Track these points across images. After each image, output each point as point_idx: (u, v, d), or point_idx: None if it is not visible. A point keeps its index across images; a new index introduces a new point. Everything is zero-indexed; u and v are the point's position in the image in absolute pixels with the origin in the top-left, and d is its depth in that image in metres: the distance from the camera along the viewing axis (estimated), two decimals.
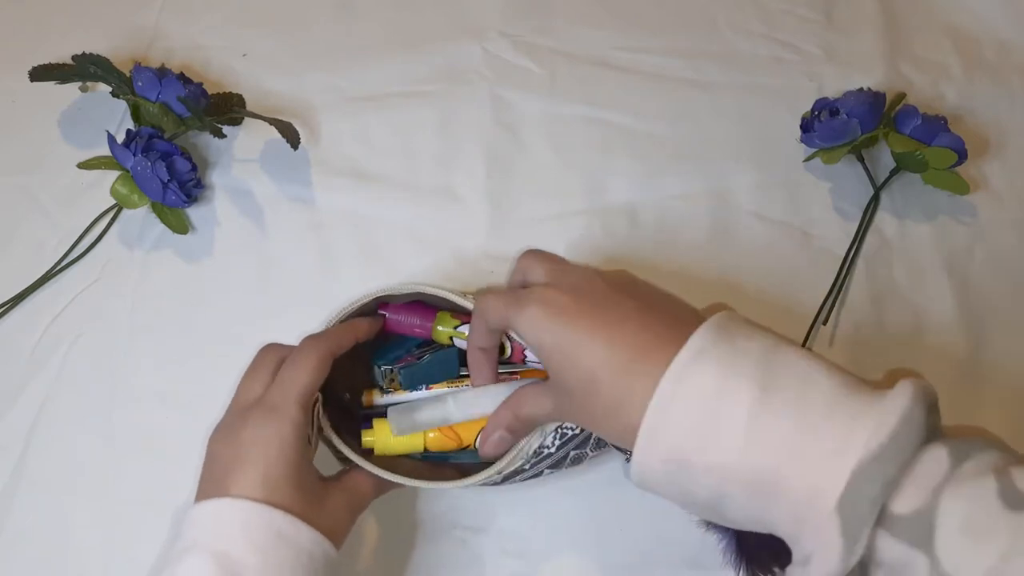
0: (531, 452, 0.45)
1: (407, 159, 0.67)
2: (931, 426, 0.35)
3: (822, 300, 0.61)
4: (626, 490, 0.47)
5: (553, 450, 0.45)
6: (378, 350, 0.51)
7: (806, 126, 0.66)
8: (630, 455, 0.38)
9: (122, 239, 0.64)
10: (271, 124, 0.64)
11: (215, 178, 0.66)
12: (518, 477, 0.47)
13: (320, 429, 0.46)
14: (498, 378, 0.47)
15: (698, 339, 0.37)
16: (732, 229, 0.64)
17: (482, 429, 0.45)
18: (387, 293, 0.49)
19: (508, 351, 0.49)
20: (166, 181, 0.60)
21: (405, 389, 0.50)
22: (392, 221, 0.64)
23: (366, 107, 0.69)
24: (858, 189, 0.66)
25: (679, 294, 0.62)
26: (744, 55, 0.72)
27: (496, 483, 0.47)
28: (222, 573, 0.38)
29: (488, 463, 0.46)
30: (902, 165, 0.65)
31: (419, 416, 0.47)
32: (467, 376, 0.48)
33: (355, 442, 0.48)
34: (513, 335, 0.48)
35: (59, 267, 0.62)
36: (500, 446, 0.44)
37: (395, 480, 0.45)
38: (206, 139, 0.67)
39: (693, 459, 0.36)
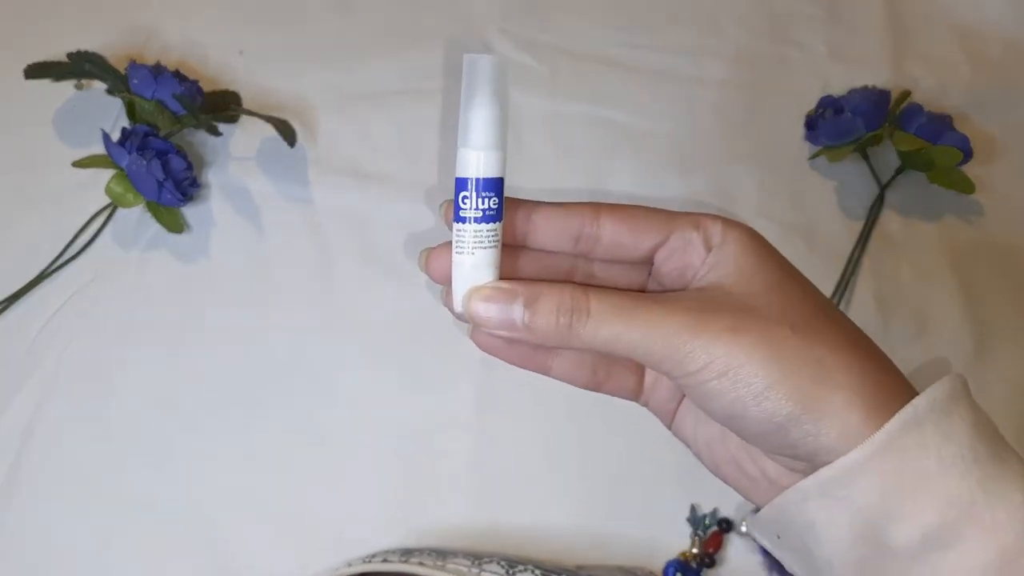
0: None
1: (406, 158, 0.66)
2: None
3: None
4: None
5: None
6: None
7: (811, 124, 0.65)
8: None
9: (117, 238, 0.63)
10: (268, 122, 0.63)
11: (211, 177, 0.66)
12: None
13: None
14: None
15: (945, 390, 0.29)
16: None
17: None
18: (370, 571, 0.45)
19: None
20: (161, 180, 0.60)
21: None
22: (391, 220, 0.64)
23: (364, 105, 0.68)
24: (863, 188, 0.65)
25: None
26: (748, 52, 0.71)
27: None
28: None
29: None
30: (907, 164, 0.64)
31: None
32: None
33: None
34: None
35: (53, 267, 0.62)
36: (491, 319, 0.31)
37: None
38: (202, 137, 0.66)
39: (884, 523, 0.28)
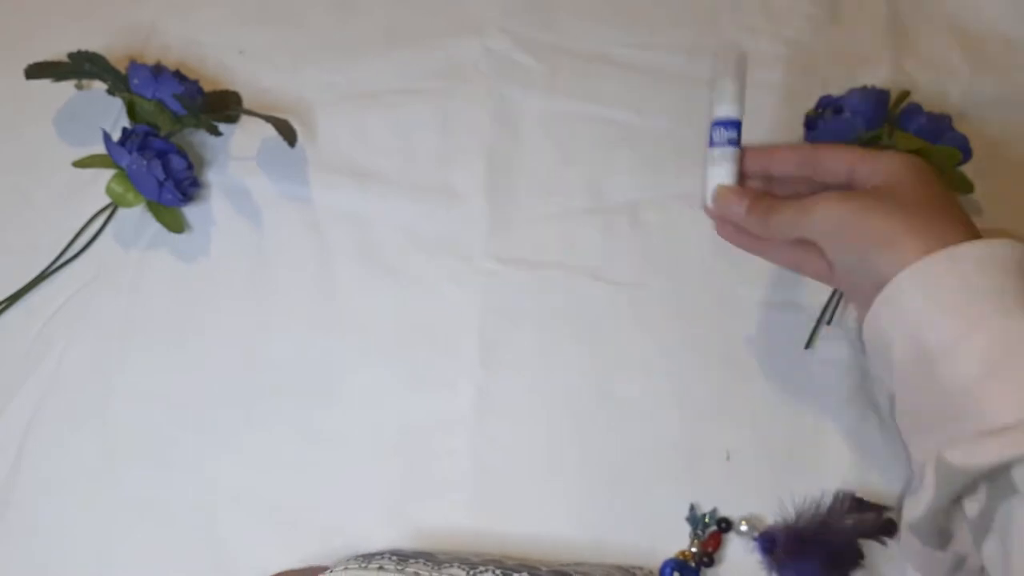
0: None
1: (406, 157, 0.66)
2: None
3: (826, 299, 0.60)
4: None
5: None
6: None
7: (810, 124, 0.65)
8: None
9: (117, 238, 0.63)
10: (268, 122, 0.63)
11: (211, 176, 0.66)
12: None
13: None
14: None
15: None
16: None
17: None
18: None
19: None
20: (162, 179, 0.60)
21: None
22: (391, 219, 0.64)
23: (364, 104, 0.68)
24: None
25: (680, 294, 0.62)
26: (748, 52, 0.71)
27: None
28: None
29: None
30: None
31: None
32: None
33: None
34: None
35: (54, 266, 0.62)
36: (725, 208, 0.51)
37: None
38: (202, 137, 0.66)
39: (973, 298, 0.39)
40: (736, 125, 0.54)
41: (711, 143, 0.54)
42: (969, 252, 0.40)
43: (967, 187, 0.63)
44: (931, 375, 0.40)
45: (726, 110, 0.54)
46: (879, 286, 0.42)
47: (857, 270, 0.44)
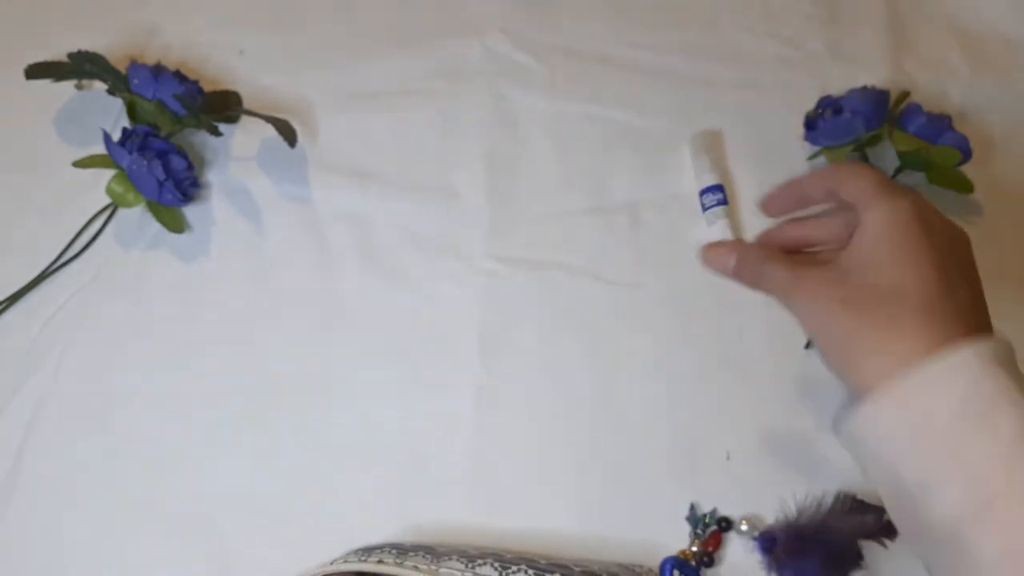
0: None
1: (406, 157, 0.66)
2: None
3: None
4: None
5: None
6: None
7: (810, 124, 0.65)
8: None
9: (118, 238, 0.63)
10: (268, 122, 0.63)
11: (212, 177, 0.66)
12: None
13: None
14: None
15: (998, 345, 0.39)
16: (736, 228, 0.63)
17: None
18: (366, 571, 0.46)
19: None
20: (162, 180, 0.60)
21: None
22: (391, 220, 0.64)
23: (365, 105, 0.68)
24: None
25: (680, 294, 0.62)
26: (747, 52, 0.71)
27: None
28: None
29: None
30: (906, 164, 0.64)
31: None
32: None
33: None
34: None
35: (54, 267, 0.62)
36: (716, 262, 0.47)
37: None
38: (203, 137, 0.66)
39: (939, 431, 0.36)
40: (720, 188, 0.63)
41: (704, 209, 0.63)
42: (948, 368, 0.37)
43: (967, 187, 0.63)
44: (913, 511, 0.37)
45: (707, 179, 0.64)
46: (857, 390, 0.39)
47: (835, 367, 0.41)
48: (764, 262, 0.45)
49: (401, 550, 0.47)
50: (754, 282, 0.45)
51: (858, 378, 0.38)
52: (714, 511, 0.54)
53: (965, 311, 0.40)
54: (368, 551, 0.47)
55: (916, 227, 0.41)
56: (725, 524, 0.53)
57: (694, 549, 0.52)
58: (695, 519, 0.53)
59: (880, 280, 0.40)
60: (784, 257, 0.45)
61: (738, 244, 0.48)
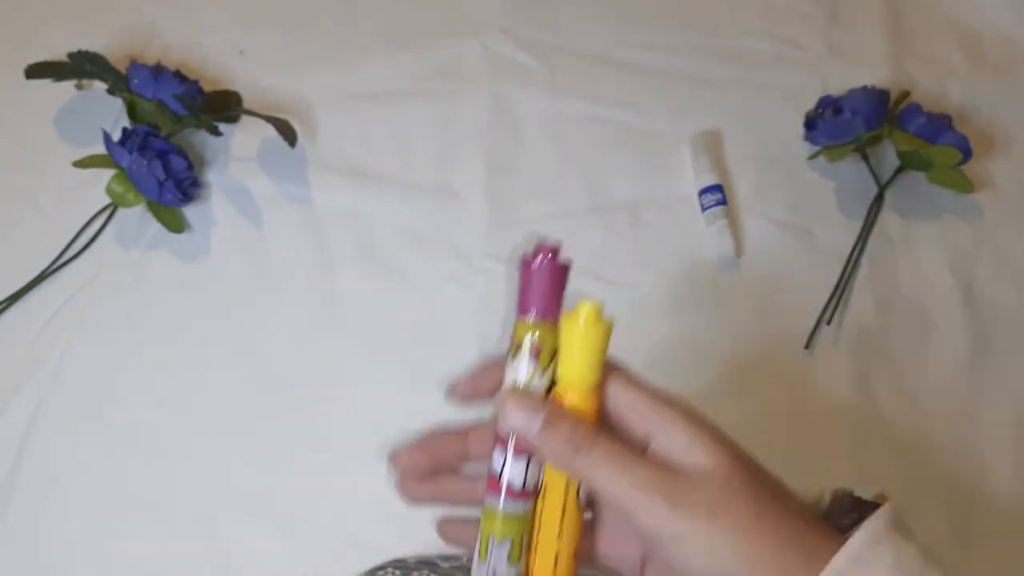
0: None
1: (406, 157, 0.66)
2: None
3: (826, 300, 0.60)
4: None
5: None
6: None
7: (810, 124, 0.65)
8: None
9: (118, 238, 0.63)
10: (268, 122, 0.63)
11: (212, 176, 0.66)
12: None
13: None
14: None
15: (856, 542, 0.31)
16: (735, 227, 0.63)
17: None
18: None
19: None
20: (162, 180, 0.60)
21: None
22: (391, 220, 0.64)
23: (365, 105, 0.68)
24: (862, 187, 0.65)
25: (681, 294, 0.62)
26: (747, 52, 0.71)
27: None
28: None
29: None
30: (907, 163, 0.64)
31: None
32: None
33: None
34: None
35: (55, 266, 0.62)
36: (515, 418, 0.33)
37: None
38: (203, 137, 0.66)
39: None
40: (719, 188, 0.63)
41: (703, 209, 0.63)
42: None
43: (967, 187, 0.63)
44: None
45: (707, 179, 0.63)
46: None
47: None
48: (592, 450, 0.33)
49: (405, 569, 0.47)
50: (570, 462, 0.32)
51: None
52: None
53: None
54: (372, 573, 0.47)
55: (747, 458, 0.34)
56: None
57: None
58: None
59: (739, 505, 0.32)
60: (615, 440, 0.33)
61: (550, 403, 0.34)
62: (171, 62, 0.68)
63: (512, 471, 0.34)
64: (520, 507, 0.34)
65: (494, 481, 0.34)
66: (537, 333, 0.35)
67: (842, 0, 0.74)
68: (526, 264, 0.36)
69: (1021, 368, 0.59)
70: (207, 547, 0.53)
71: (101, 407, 0.57)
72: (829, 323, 0.60)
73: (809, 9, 0.73)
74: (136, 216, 0.64)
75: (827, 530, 0.33)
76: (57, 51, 0.65)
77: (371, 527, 0.54)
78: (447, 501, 0.38)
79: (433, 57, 0.71)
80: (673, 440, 0.34)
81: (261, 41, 0.72)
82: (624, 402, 0.34)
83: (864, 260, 0.62)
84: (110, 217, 0.64)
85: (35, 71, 0.64)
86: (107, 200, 0.62)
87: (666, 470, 0.32)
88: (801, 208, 0.64)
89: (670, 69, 0.70)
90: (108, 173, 0.61)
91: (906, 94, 0.66)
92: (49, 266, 0.62)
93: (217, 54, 0.71)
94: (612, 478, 0.32)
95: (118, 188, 0.61)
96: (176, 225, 0.62)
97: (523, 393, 0.34)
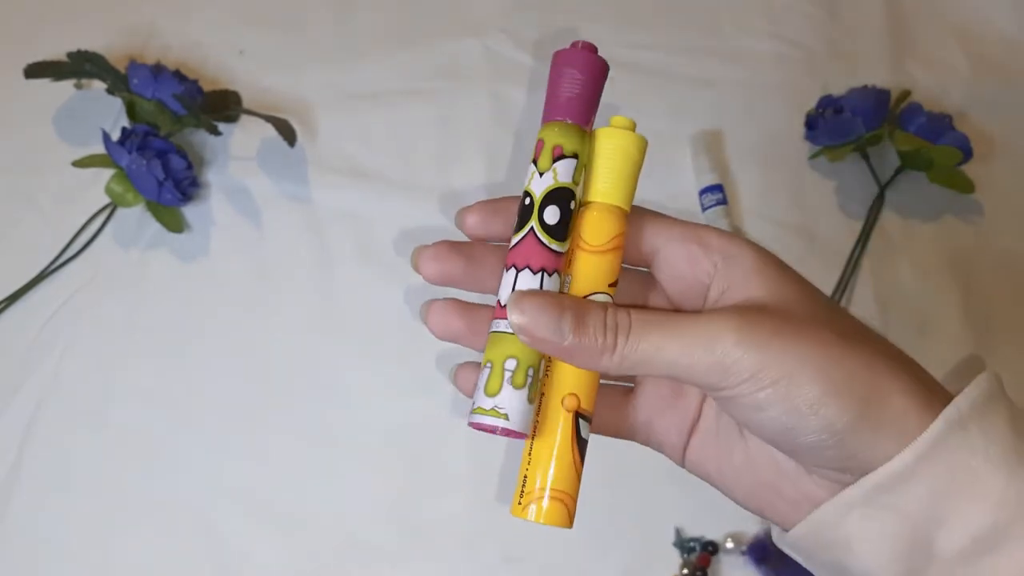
0: None
1: (406, 157, 0.66)
2: None
3: None
4: None
5: None
6: None
7: (811, 124, 0.65)
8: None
9: (117, 238, 0.63)
10: (268, 122, 0.63)
11: (211, 176, 0.65)
12: None
13: None
14: None
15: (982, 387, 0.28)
16: (736, 227, 0.63)
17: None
18: None
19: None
20: (161, 179, 0.60)
21: None
22: (391, 220, 0.64)
23: (364, 105, 0.68)
24: (863, 187, 0.65)
25: None
26: (748, 52, 0.71)
27: None
28: None
29: None
30: (907, 163, 0.64)
31: None
32: None
33: None
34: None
35: (54, 266, 0.62)
36: (540, 327, 0.28)
37: None
38: (202, 137, 0.66)
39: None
40: (719, 188, 0.63)
41: (703, 208, 0.63)
42: (976, 415, 0.27)
43: (968, 187, 0.63)
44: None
45: (707, 179, 0.63)
46: (845, 469, 0.28)
47: (801, 446, 0.27)
48: (621, 310, 0.29)
49: None
50: (612, 354, 0.28)
51: (892, 429, 0.27)
52: (700, 538, 0.53)
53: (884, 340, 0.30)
54: None
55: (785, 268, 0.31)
56: (712, 548, 0.53)
57: (685, 571, 0.52)
58: (682, 544, 0.53)
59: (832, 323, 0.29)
60: (641, 306, 0.31)
61: (567, 295, 0.30)
62: (171, 62, 0.68)
63: (526, 287, 0.29)
64: None
65: (502, 307, 0.30)
66: (569, 139, 0.31)
67: (842, 0, 0.74)
68: (559, 56, 0.31)
69: (1021, 368, 0.59)
70: (207, 547, 0.53)
71: (101, 407, 0.57)
72: None
73: (809, 9, 0.73)
74: (135, 216, 0.64)
75: (923, 372, 0.29)
76: (57, 51, 0.65)
77: (371, 527, 0.54)
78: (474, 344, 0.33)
79: (433, 57, 0.71)
80: (734, 273, 0.29)
81: (261, 41, 0.72)
82: (667, 240, 0.31)
83: (865, 259, 0.62)
84: (109, 217, 0.64)
85: (34, 71, 0.64)
86: (106, 200, 0.62)
87: (721, 312, 0.28)
88: (801, 208, 0.64)
89: (670, 69, 0.70)
90: (107, 173, 0.61)
91: (906, 94, 0.66)
92: (48, 266, 0.62)
93: (217, 54, 0.71)
94: (661, 352, 0.28)
95: (117, 188, 0.61)
96: (175, 225, 0.62)
97: (538, 293, 0.29)
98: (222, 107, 0.66)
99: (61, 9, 0.73)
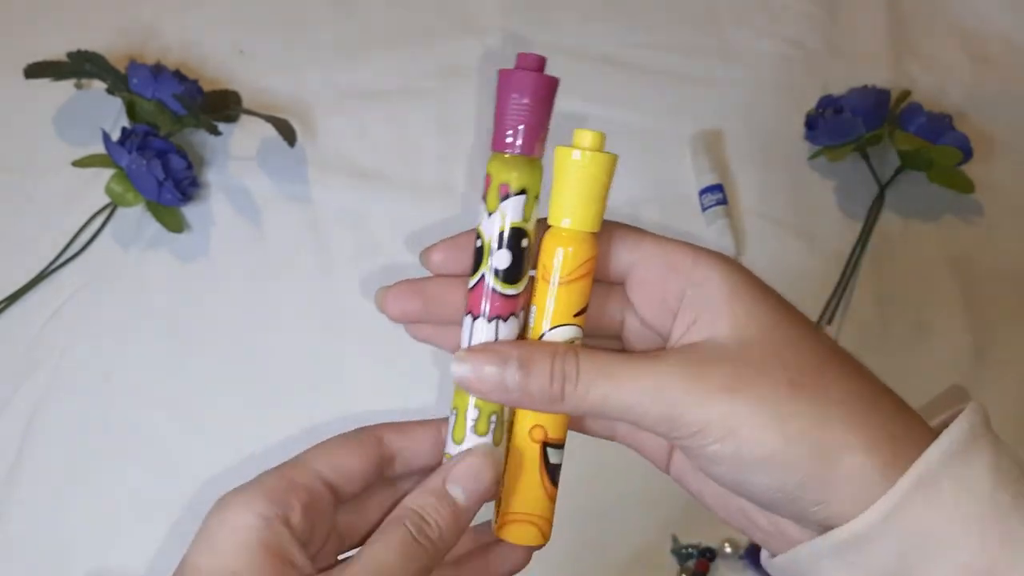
0: None
1: (405, 156, 0.66)
2: None
3: (827, 299, 0.60)
4: None
5: None
6: None
7: (811, 124, 0.65)
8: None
9: (117, 238, 0.63)
10: (268, 122, 0.63)
11: (211, 176, 0.65)
12: None
13: None
14: None
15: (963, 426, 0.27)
16: (736, 227, 0.63)
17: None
18: None
19: None
20: (161, 179, 0.60)
21: None
22: (390, 219, 0.64)
23: (364, 104, 0.68)
24: (863, 187, 0.65)
25: None
26: (748, 51, 0.71)
27: None
28: None
29: None
30: (907, 163, 0.64)
31: None
32: None
33: None
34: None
35: (54, 266, 0.62)
36: (484, 377, 0.28)
37: None
38: (202, 137, 0.66)
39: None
40: (719, 188, 0.63)
41: (703, 208, 0.63)
42: (945, 468, 0.26)
43: (968, 187, 0.63)
44: None
45: (707, 179, 0.63)
46: (806, 522, 0.28)
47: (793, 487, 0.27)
48: (570, 356, 0.28)
49: None
50: (561, 399, 0.28)
51: (844, 489, 0.26)
52: (698, 544, 0.53)
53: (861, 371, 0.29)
54: None
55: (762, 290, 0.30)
56: (709, 554, 0.53)
57: None
58: (679, 553, 0.53)
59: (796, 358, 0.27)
60: (596, 347, 0.29)
61: (513, 343, 0.29)
62: (170, 62, 0.68)
63: (481, 337, 0.29)
64: None
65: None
66: (515, 173, 0.29)
67: (842, 0, 0.74)
68: (503, 77, 0.29)
69: (1021, 368, 0.59)
70: None
71: (101, 407, 0.57)
72: (830, 323, 0.60)
73: (810, 9, 0.73)
74: (135, 216, 0.64)
75: (910, 416, 0.27)
76: (57, 51, 0.65)
77: None
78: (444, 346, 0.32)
79: (433, 57, 0.71)
80: (700, 304, 0.28)
81: (261, 41, 0.72)
82: (639, 258, 0.30)
83: (865, 259, 0.62)
84: (109, 217, 0.64)
85: (34, 71, 0.64)
86: (106, 200, 0.62)
87: (675, 359, 0.27)
88: (801, 208, 0.64)
89: (670, 69, 0.70)
90: (107, 173, 0.61)
91: (906, 94, 0.66)
92: (48, 266, 0.62)
93: (217, 54, 0.71)
94: (609, 400, 0.27)
95: (117, 188, 0.61)
96: (175, 225, 0.62)
97: (482, 345, 0.29)
98: (222, 107, 0.66)
99: (61, 9, 0.73)
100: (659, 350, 0.29)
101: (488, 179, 0.29)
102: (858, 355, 0.61)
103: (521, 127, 0.29)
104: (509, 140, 0.29)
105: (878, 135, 0.63)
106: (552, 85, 0.30)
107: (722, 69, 0.70)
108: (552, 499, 0.31)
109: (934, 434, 0.26)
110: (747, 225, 0.63)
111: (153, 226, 0.63)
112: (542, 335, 0.29)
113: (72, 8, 0.73)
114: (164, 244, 0.63)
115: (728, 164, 0.66)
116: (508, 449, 0.31)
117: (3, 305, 0.60)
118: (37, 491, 0.55)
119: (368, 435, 0.32)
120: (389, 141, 0.67)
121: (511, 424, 0.31)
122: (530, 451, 0.30)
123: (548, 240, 0.29)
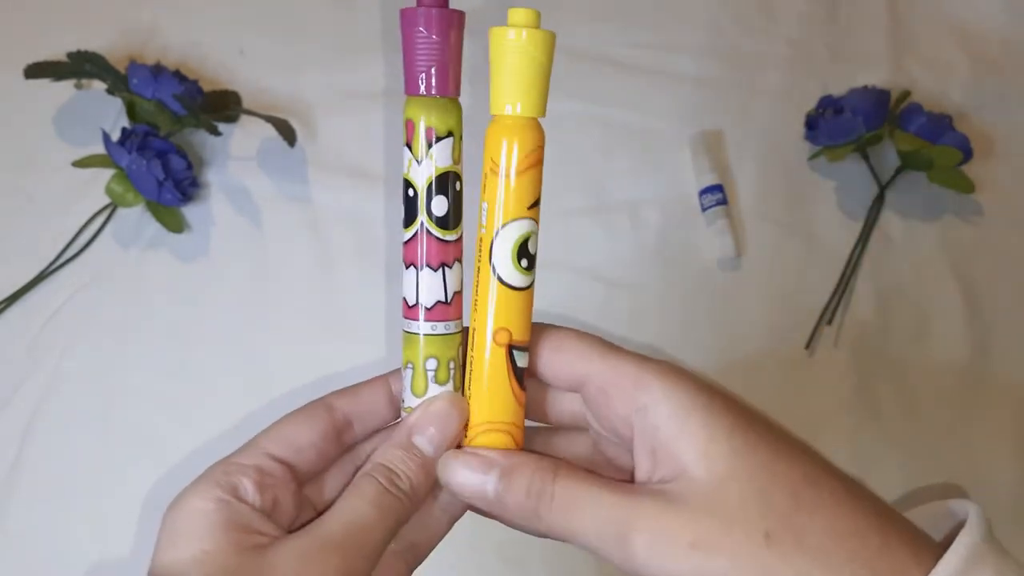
0: None
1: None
2: None
3: (827, 300, 0.60)
4: None
5: None
6: None
7: (811, 124, 0.65)
8: None
9: (117, 238, 0.63)
10: (268, 122, 0.63)
11: (211, 176, 0.66)
12: None
13: None
14: None
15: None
16: (736, 227, 0.63)
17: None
18: None
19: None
20: (161, 179, 0.60)
21: None
22: (390, 219, 0.64)
23: (364, 104, 0.68)
24: (863, 188, 0.65)
25: (681, 293, 0.62)
26: (748, 52, 0.71)
27: None
28: None
29: None
30: (907, 164, 0.64)
31: None
32: None
33: None
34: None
35: (53, 266, 0.62)
36: (466, 483, 0.29)
37: None
38: (202, 137, 0.66)
39: None
40: (719, 188, 0.62)
41: (703, 209, 0.63)
42: None
43: (968, 187, 0.63)
44: None
45: (707, 179, 0.63)
46: None
47: None
48: (553, 475, 0.28)
49: None
50: (534, 518, 0.28)
51: None
52: None
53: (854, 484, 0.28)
54: None
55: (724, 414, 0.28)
56: None
57: None
58: None
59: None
60: (582, 469, 0.29)
61: (503, 453, 0.29)
62: (170, 62, 0.68)
63: (429, 286, 0.29)
64: (442, 326, 0.30)
65: (410, 307, 0.30)
66: (439, 116, 0.29)
67: (842, 0, 0.74)
68: (406, 16, 0.28)
69: (1021, 368, 0.59)
70: None
71: (101, 407, 0.57)
72: (830, 323, 0.60)
73: (810, 9, 0.73)
74: (135, 216, 0.64)
75: (897, 545, 0.26)
76: (57, 51, 0.65)
77: None
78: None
79: None
80: (654, 432, 0.27)
81: (261, 41, 0.72)
82: (590, 374, 0.29)
83: (865, 260, 0.62)
84: (109, 217, 0.64)
85: (34, 71, 0.64)
86: (106, 200, 0.62)
87: (642, 503, 0.27)
88: (801, 208, 0.64)
89: (670, 69, 0.70)
90: (107, 173, 0.61)
91: (906, 94, 0.66)
92: (48, 266, 0.62)
93: (217, 54, 0.71)
94: (576, 536, 0.27)
95: (117, 188, 0.61)
96: (175, 225, 0.62)
97: (472, 450, 0.30)
98: (222, 107, 0.66)
99: (61, 9, 0.73)
100: (632, 486, 0.28)
101: (410, 124, 0.29)
102: (858, 356, 0.61)
103: (435, 68, 0.29)
104: (427, 82, 0.29)
105: (878, 135, 0.63)
106: (460, 19, 0.29)
107: (722, 69, 0.70)
108: (522, 404, 0.30)
109: (927, 565, 0.25)
110: (747, 225, 0.63)
111: (153, 226, 0.63)
112: (496, 232, 0.29)
113: (72, 8, 0.73)
114: (164, 244, 0.63)
115: (728, 164, 0.66)
116: (472, 358, 0.30)
117: (3, 305, 0.60)
118: (37, 491, 0.55)
119: (316, 405, 0.33)
120: (389, 141, 0.67)
121: (474, 332, 0.30)
122: (496, 356, 0.29)
123: (492, 130, 0.29)
